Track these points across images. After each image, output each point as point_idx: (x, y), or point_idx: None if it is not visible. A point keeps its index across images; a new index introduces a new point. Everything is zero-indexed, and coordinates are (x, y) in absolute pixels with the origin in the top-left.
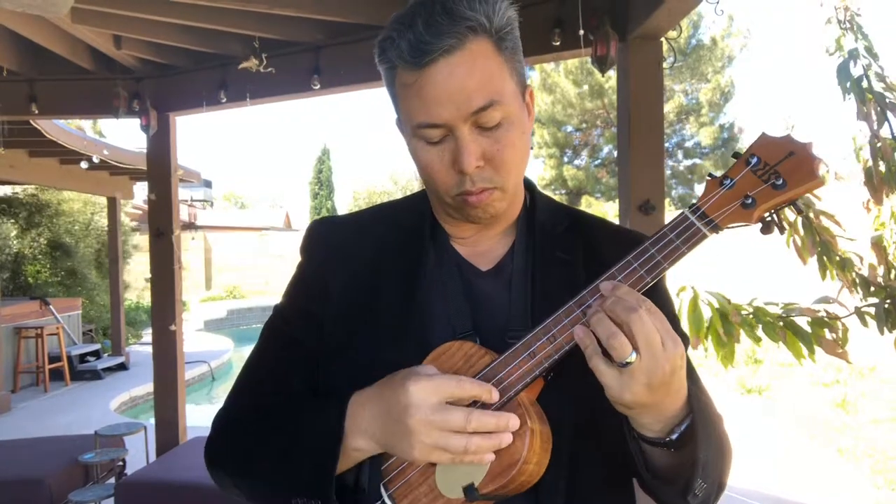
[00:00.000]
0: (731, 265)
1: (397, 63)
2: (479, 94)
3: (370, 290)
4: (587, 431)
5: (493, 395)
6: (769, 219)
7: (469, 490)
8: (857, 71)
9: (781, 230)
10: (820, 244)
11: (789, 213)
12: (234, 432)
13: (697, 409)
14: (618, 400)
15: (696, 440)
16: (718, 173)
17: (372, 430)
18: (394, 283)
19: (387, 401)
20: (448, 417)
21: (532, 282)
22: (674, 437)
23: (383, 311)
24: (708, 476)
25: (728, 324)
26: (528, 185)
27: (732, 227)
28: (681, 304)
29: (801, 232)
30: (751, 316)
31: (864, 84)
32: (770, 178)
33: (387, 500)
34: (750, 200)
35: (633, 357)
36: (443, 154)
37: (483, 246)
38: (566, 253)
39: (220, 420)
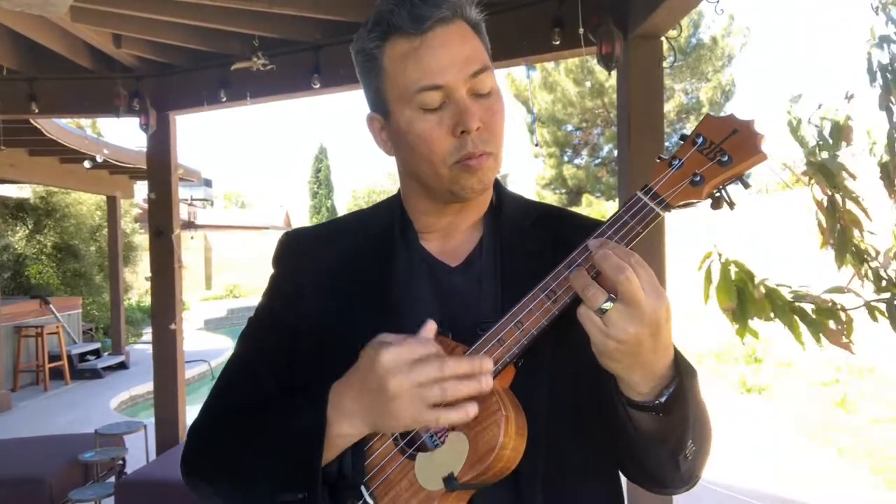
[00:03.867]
0: (757, 246)
1: (393, 33)
2: (474, 58)
3: (343, 294)
4: (563, 417)
5: (460, 349)
6: (717, 195)
7: (449, 480)
8: (884, 57)
9: (731, 206)
10: (839, 231)
11: (818, 193)
12: (212, 439)
13: (685, 369)
14: (602, 349)
15: (686, 400)
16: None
17: (356, 410)
18: (366, 286)
19: (363, 376)
20: (422, 370)
21: (502, 275)
22: (662, 399)
23: (357, 313)
24: (696, 438)
25: (746, 296)
26: (496, 184)
27: (682, 206)
28: (708, 270)
29: (825, 214)
30: (765, 296)
31: (889, 74)
32: (716, 156)
33: (368, 499)
34: (698, 178)
35: (608, 304)
36: (442, 120)
37: (453, 242)
38: (535, 245)
39: (196, 431)
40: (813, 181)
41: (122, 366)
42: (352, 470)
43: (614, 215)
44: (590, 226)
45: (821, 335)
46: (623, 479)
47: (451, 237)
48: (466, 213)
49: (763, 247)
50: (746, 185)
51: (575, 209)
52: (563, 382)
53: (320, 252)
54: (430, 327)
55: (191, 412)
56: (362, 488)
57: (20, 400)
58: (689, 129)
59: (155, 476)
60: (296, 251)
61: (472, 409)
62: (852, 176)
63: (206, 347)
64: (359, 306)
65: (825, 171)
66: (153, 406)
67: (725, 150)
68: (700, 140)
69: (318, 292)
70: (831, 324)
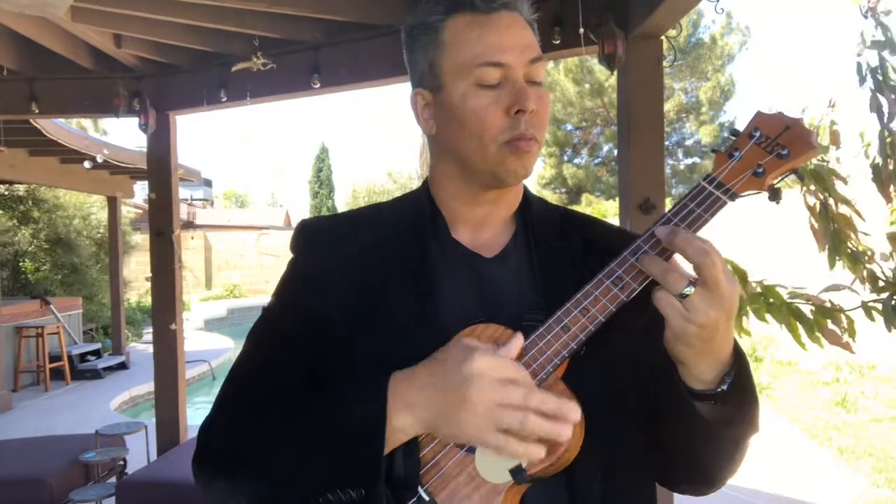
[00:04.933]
0: (750, 250)
1: (460, 9)
2: (533, 46)
3: (374, 286)
4: (616, 408)
5: (507, 333)
6: (777, 186)
7: (517, 472)
8: (874, 60)
9: (778, 200)
10: (833, 233)
11: (809, 199)
12: (233, 435)
13: (743, 356)
14: (681, 333)
15: (745, 388)
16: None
17: (419, 402)
18: (400, 277)
19: (443, 371)
20: (510, 391)
21: (539, 268)
22: (724, 387)
23: (392, 305)
24: (749, 427)
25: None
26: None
27: (746, 195)
28: None
29: (819, 218)
30: (760, 295)
31: (880, 76)
32: (775, 149)
33: (423, 495)
34: (761, 170)
35: (689, 289)
36: (498, 97)
37: (485, 235)
38: (565, 242)
39: (210, 430)
40: (805, 187)
41: (123, 366)
42: (404, 466)
43: (678, 203)
44: (615, 230)
45: (819, 335)
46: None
47: (484, 229)
48: (501, 205)
49: (762, 247)
50: (801, 177)
51: (575, 208)
52: (612, 373)
53: (346, 239)
54: (518, 342)
55: (191, 412)
56: (418, 487)
57: (21, 400)
58: (688, 128)
59: (156, 476)
60: (319, 238)
61: (539, 452)
62: (843, 180)
63: (207, 347)
64: (394, 295)
65: (816, 177)
66: (154, 406)
67: (783, 144)
68: (757, 134)
69: (348, 282)
70: (829, 324)
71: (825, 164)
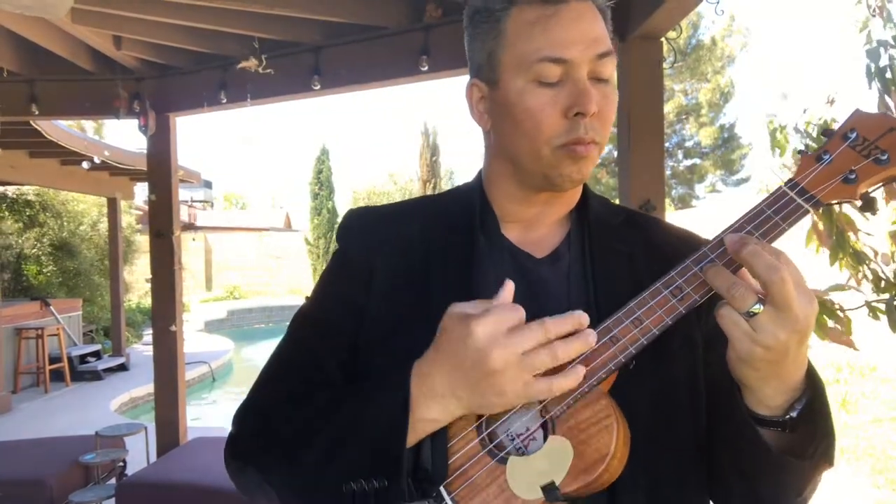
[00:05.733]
0: None
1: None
2: (602, 40)
3: (419, 278)
4: (663, 427)
5: (579, 319)
6: (871, 195)
7: (549, 489)
8: (884, 60)
9: (875, 211)
10: (836, 234)
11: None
12: (267, 421)
13: (819, 382)
14: (746, 356)
15: (817, 417)
16: (809, 150)
17: (449, 390)
18: (445, 272)
19: (454, 353)
20: (525, 336)
21: (592, 271)
22: (793, 413)
23: (435, 299)
24: (821, 462)
25: None
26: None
27: (834, 203)
28: None
29: (821, 217)
30: None
31: (889, 75)
32: (872, 154)
33: (449, 502)
34: (853, 176)
35: (757, 307)
36: (557, 97)
37: (537, 234)
38: (625, 245)
39: (245, 414)
40: None
41: (123, 367)
42: (432, 463)
43: (754, 209)
44: (682, 235)
45: (818, 333)
46: None
47: (535, 228)
48: (556, 205)
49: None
50: None
51: None
52: (661, 391)
53: (393, 231)
54: (509, 288)
55: (191, 414)
56: (443, 491)
57: (21, 402)
58: (688, 130)
59: (156, 477)
60: (366, 228)
61: (581, 370)
62: None
63: (207, 349)
64: (438, 290)
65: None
66: (153, 408)
67: (883, 147)
68: (853, 135)
69: (392, 273)
70: (830, 322)
71: None
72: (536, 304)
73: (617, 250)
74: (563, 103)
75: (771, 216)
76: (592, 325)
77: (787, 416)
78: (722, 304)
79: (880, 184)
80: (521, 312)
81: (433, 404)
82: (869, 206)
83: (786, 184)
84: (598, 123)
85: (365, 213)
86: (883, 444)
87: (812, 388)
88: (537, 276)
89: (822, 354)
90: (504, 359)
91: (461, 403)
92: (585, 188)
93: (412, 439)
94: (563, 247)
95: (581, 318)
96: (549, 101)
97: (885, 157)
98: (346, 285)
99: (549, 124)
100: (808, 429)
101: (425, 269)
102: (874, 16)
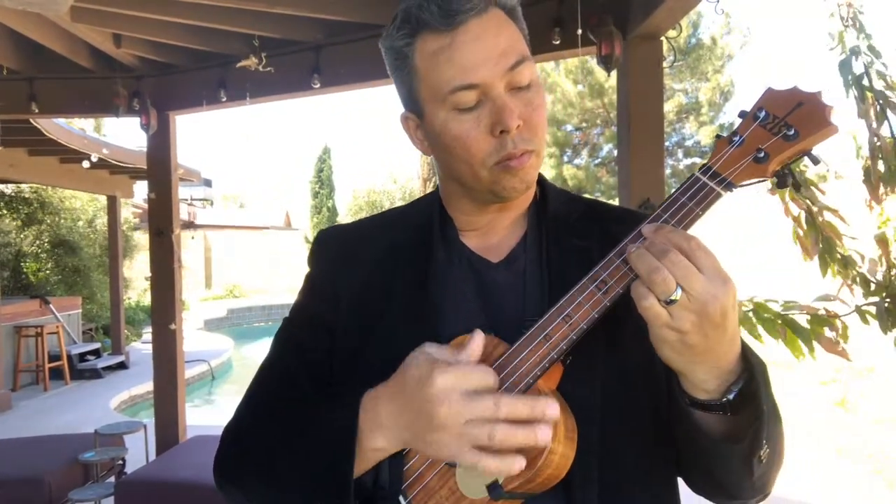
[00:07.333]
0: (736, 261)
1: (423, 29)
2: (510, 51)
3: (381, 292)
4: (616, 419)
5: (502, 347)
6: (784, 172)
7: (493, 488)
8: (858, 68)
9: (797, 187)
10: (822, 241)
11: (793, 208)
12: (245, 443)
13: (754, 363)
14: (665, 341)
15: (757, 397)
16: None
17: (392, 425)
18: (405, 284)
19: (409, 393)
20: (476, 405)
21: (548, 270)
22: (730, 396)
23: (396, 312)
24: (769, 438)
25: None
26: (539, 178)
27: (746, 185)
28: None
29: (804, 227)
30: (751, 312)
31: (865, 82)
32: (781, 130)
33: None
34: (762, 154)
35: (677, 294)
36: (479, 119)
37: (494, 238)
38: (582, 240)
39: (230, 433)
40: (786, 196)
41: (122, 366)
42: (389, 479)
43: (670, 197)
44: (641, 219)
45: (813, 345)
46: (682, 487)
47: (492, 233)
48: (509, 209)
49: (755, 249)
50: (816, 161)
51: None
52: (615, 381)
53: (357, 250)
54: (478, 340)
55: (190, 412)
56: (400, 497)
57: (20, 400)
58: (688, 129)
59: (155, 476)
60: (332, 249)
61: (518, 464)
62: (821, 191)
63: (206, 347)
64: (398, 306)
65: (796, 187)
66: (153, 406)
67: (791, 123)
68: (762, 114)
69: (357, 291)
70: (826, 331)
71: (803, 171)
72: (491, 308)
73: (574, 246)
74: (485, 123)
75: (685, 202)
76: None
77: (724, 399)
78: (637, 284)
79: (792, 160)
80: (489, 377)
81: (378, 435)
82: (784, 183)
83: (699, 169)
84: (528, 132)
85: (332, 233)
86: (883, 444)
87: (749, 371)
88: (492, 282)
89: (821, 355)
90: (449, 418)
91: (400, 440)
92: (544, 184)
93: (363, 467)
94: (520, 249)
95: (547, 409)
96: (473, 125)
97: (792, 133)
98: (315, 306)
99: (478, 147)
100: (751, 409)
101: (387, 284)
102: (847, 27)
